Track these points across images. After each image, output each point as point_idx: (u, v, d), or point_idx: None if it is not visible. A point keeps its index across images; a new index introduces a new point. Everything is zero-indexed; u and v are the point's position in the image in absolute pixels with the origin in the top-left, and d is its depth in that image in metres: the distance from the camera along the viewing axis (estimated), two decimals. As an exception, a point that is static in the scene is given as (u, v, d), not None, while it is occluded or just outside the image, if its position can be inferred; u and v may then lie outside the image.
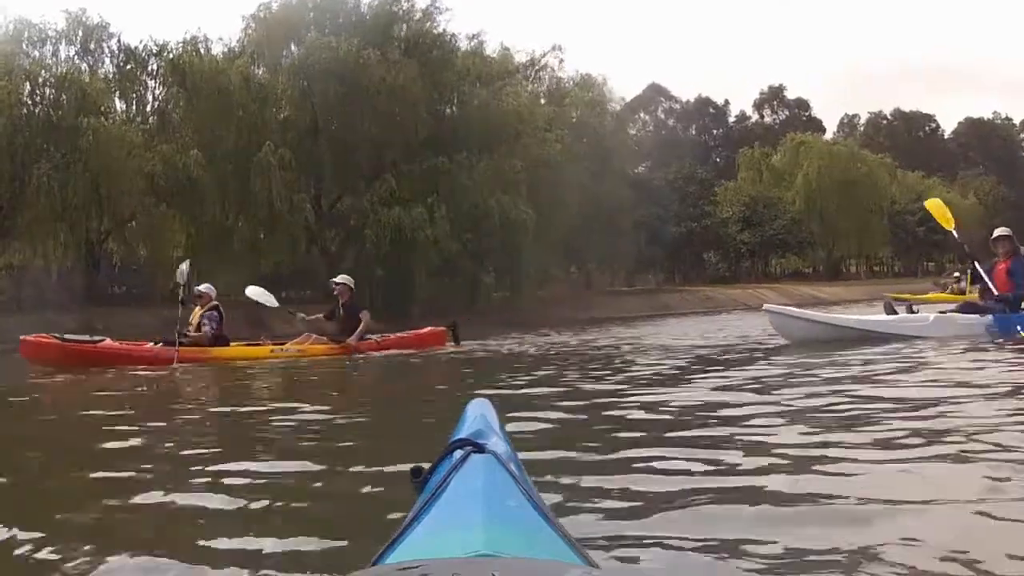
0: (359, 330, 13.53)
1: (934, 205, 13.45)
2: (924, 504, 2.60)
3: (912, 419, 4.21)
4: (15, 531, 2.78)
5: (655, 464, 3.39)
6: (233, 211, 33.68)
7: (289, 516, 2.92)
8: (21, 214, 30.26)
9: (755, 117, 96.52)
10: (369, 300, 35.26)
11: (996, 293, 10.78)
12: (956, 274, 26.55)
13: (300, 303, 37.41)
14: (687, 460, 3.43)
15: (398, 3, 38.13)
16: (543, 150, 37.39)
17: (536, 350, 13.44)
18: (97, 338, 12.68)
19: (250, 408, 7.15)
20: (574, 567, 1.12)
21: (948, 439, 3.61)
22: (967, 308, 11.33)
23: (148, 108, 35.64)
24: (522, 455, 1.81)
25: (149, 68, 35.01)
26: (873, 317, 11.42)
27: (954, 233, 12.78)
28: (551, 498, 2.60)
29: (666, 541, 2.36)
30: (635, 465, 3.39)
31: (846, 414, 4.52)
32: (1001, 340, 9.62)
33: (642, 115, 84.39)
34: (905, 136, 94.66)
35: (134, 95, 35.18)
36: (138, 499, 3.28)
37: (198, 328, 13.00)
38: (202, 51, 34.63)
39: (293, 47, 37.00)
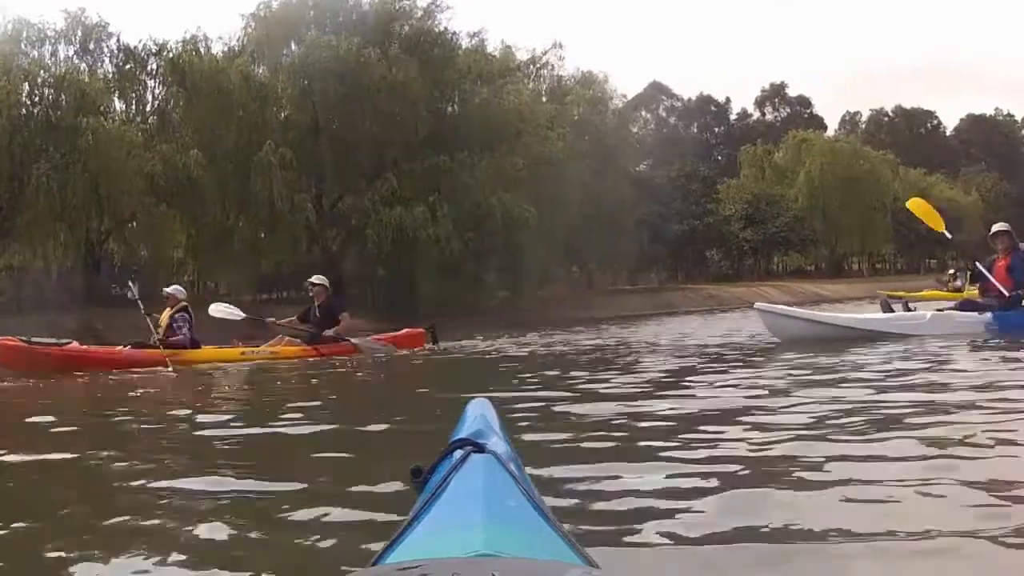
0: (338, 327, 13.25)
1: (917, 206, 13.04)
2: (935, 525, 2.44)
3: (912, 425, 4.07)
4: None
5: (655, 464, 3.39)
6: (234, 211, 33.55)
7: (289, 516, 2.90)
8: (20, 215, 30.15)
9: (756, 115, 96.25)
10: (371, 300, 35.45)
11: (1006, 293, 10.51)
12: (952, 271, 26.25)
13: (301, 304, 37.46)
14: (687, 460, 3.44)
15: (399, 1, 38.04)
16: (545, 148, 37.23)
17: (519, 350, 13.36)
18: (64, 341, 12.17)
19: (237, 410, 7.10)
20: (574, 567, 1.11)
21: (949, 445, 3.50)
22: (966, 306, 11.08)
23: (148, 108, 35.56)
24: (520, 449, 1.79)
25: (148, 68, 34.90)
26: (868, 316, 11.14)
27: (947, 234, 12.59)
28: (551, 498, 2.50)
29: (666, 541, 2.36)
30: (635, 465, 3.39)
31: (847, 416, 4.43)
32: (1000, 338, 9.37)
33: (643, 113, 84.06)
34: (906, 133, 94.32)
35: (133, 95, 35.08)
36: (136, 501, 3.30)
37: (168, 330, 12.61)
38: (202, 50, 34.53)
39: (293, 46, 36.90)
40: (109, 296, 32.49)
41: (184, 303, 12.96)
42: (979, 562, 2.13)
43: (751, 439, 3.86)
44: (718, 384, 6.40)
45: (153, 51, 34.48)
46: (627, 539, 2.40)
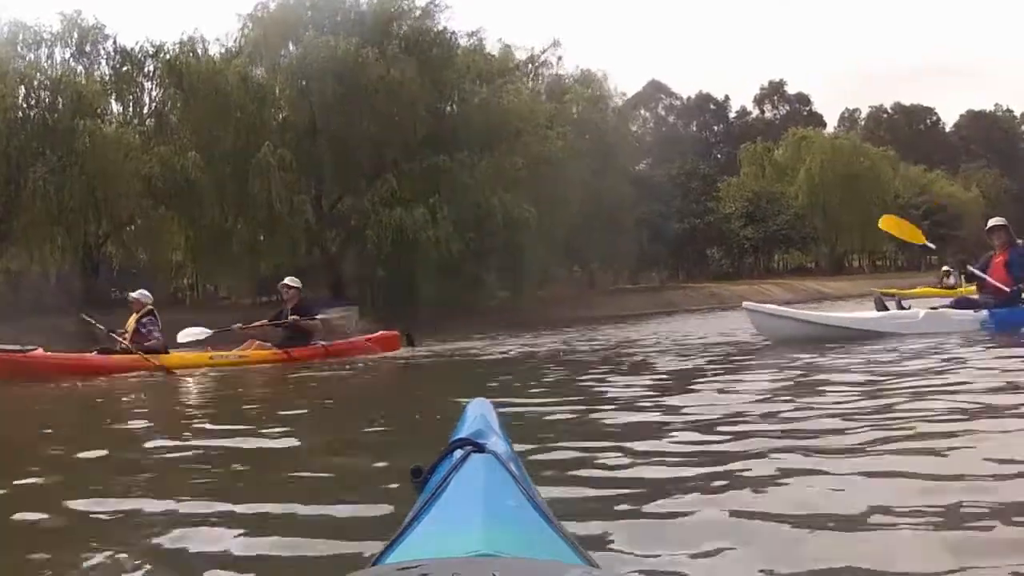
0: (308, 323, 12.94)
1: (890, 224, 12.65)
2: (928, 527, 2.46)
3: (906, 428, 3.93)
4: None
5: (656, 464, 3.41)
6: (232, 213, 33.40)
7: (288, 517, 2.92)
8: (17, 218, 30.00)
9: (756, 112, 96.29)
10: (370, 301, 35.34)
11: (1006, 289, 10.18)
12: (946, 268, 26.02)
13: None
14: (687, 460, 3.45)
15: (397, 1, 37.88)
16: (544, 148, 37.05)
17: (513, 351, 13.19)
18: (29, 347, 11.66)
19: (225, 415, 7.01)
20: (574, 567, 1.12)
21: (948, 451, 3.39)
22: (961, 303, 10.81)
23: (145, 110, 35.43)
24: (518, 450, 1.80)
25: (146, 69, 34.77)
26: (861, 315, 10.77)
27: (929, 244, 12.42)
28: (551, 498, 2.40)
29: (666, 541, 2.37)
30: (636, 465, 3.40)
31: (842, 419, 4.35)
32: (996, 336, 9.11)
33: (642, 112, 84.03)
34: (906, 130, 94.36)
35: (131, 97, 34.93)
36: (134, 506, 3.32)
37: (136, 335, 12.24)
38: (199, 52, 34.41)
39: (291, 46, 36.69)
40: (108, 300, 32.31)
41: (151, 307, 12.64)
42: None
43: (751, 440, 3.83)
44: (720, 384, 6.33)
45: (150, 53, 34.35)
46: (627, 539, 2.39)
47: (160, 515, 3.10)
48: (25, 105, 31.10)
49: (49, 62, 32.99)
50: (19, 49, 32.08)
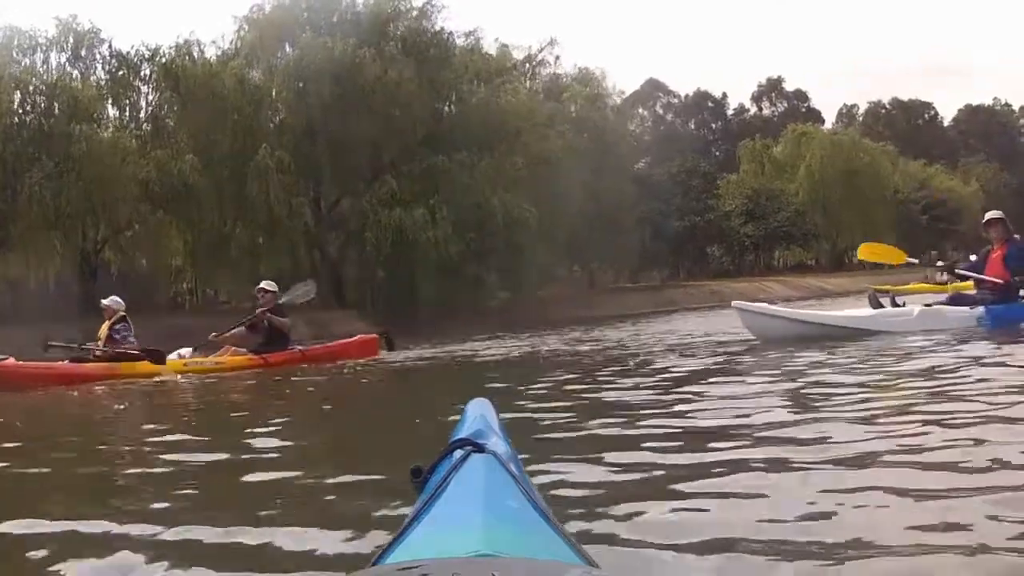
0: (279, 321, 12.52)
1: (869, 252, 12.64)
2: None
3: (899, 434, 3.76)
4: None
5: (656, 465, 3.39)
6: (231, 216, 33.32)
7: (288, 517, 2.91)
8: (14, 224, 29.86)
9: (754, 109, 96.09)
10: (370, 302, 35.26)
11: (1001, 281, 9.83)
12: (940, 262, 25.49)
13: (301, 311, 37.31)
14: (688, 461, 3.45)
15: (393, 1, 37.80)
16: (544, 147, 36.99)
17: (505, 352, 13.02)
18: (0, 356, 11.37)
19: (223, 420, 6.96)
20: (574, 567, 1.12)
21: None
22: (957, 300, 10.36)
23: (141, 114, 35.32)
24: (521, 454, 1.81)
25: (142, 73, 34.67)
26: (854, 313, 10.39)
27: (911, 260, 12.24)
28: (551, 498, 2.59)
29: (667, 541, 2.36)
30: (635, 466, 3.39)
31: (846, 422, 4.22)
32: (993, 333, 8.78)
33: (640, 110, 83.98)
34: (904, 125, 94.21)
35: (127, 101, 34.86)
36: (124, 509, 3.31)
37: (110, 341, 11.99)
38: (195, 55, 34.36)
39: (288, 48, 36.67)
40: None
41: (123, 313, 12.34)
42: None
43: (751, 441, 3.81)
44: (720, 385, 6.23)
45: (146, 56, 34.29)
46: (627, 539, 2.39)
47: (161, 517, 3.07)
48: (21, 110, 31.05)
49: (45, 67, 32.99)
50: (14, 54, 32.03)
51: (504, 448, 1.58)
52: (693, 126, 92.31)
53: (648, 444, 3.88)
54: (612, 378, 7.68)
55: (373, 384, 9.90)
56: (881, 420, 4.14)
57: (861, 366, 6.76)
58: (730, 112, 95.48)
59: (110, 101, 34.59)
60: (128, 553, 2.59)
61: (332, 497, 3.22)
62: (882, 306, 10.21)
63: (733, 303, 10.34)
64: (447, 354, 13.51)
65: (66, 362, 11.80)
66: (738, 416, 4.53)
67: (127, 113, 35.10)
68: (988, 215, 10.53)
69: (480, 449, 1.47)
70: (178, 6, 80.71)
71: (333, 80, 33.42)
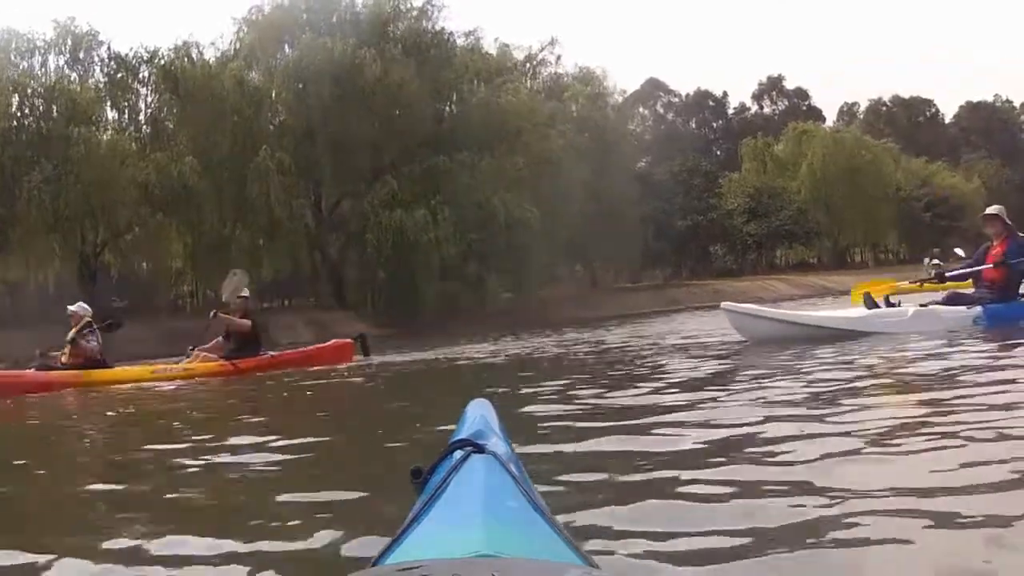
0: (238, 322, 12.16)
1: (859, 296, 12.53)
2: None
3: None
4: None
5: (656, 465, 3.37)
6: (231, 218, 33.22)
7: (288, 517, 2.89)
8: (13, 228, 29.78)
9: (754, 108, 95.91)
10: (371, 303, 35.19)
11: (998, 263, 9.47)
12: (936, 260, 24.86)
13: (301, 311, 37.37)
14: (688, 462, 3.39)
15: (393, 1, 37.70)
16: (545, 146, 36.85)
17: (506, 353, 12.79)
18: None
19: (208, 422, 6.88)
20: (574, 567, 1.12)
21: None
22: (953, 299, 9.93)
23: (140, 116, 35.28)
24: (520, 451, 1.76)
25: (140, 75, 34.64)
26: (845, 313, 10.07)
27: (903, 284, 12.03)
28: (551, 498, 2.48)
29: (667, 541, 2.34)
30: (635, 466, 3.37)
31: (849, 422, 4.08)
32: (991, 333, 8.43)
33: (641, 110, 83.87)
34: (905, 122, 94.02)
35: (126, 103, 34.79)
36: (138, 504, 3.39)
37: (75, 348, 11.74)
38: (194, 56, 34.29)
39: (287, 49, 36.61)
40: (109, 309, 32.15)
41: (88, 320, 12.12)
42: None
43: (751, 441, 3.76)
44: (723, 386, 6.09)
45: (145, 58, 34.25)
46: (627, 539, 2.37)
47: (160, 518, 3.11)
48: (19, 114, 31.00)
49: (43, 70, 32.98)
50: (12, 57, 32.00)
51: (504, 448, 1.58)
52: (694, 125, 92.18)
53: (649, 445, 3.84)
54: (613, 379, 7.56)
55: (372, 386, 9.74)
56: (869, 420, 3.99)
57: (850, 370, 6.42)
58: (731, 111, 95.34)
59: (109, 103, 34.54)
60: (126, 555, 2.58)
61: (332, 497, 3.19)
62: (877, 306, 9.94)
63: (721, 304, 10.09)
64: (447, 355, 13.31)
65: (31, 370, 11.61)
66: (739, 416, 4.46)
67: (126, 115, 35.10)
68: (987, 211, 10.29)
69: (480, 450, 1.46)
70: (177, 8, 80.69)
71: (333, 81, 33.32)
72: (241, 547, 2.58)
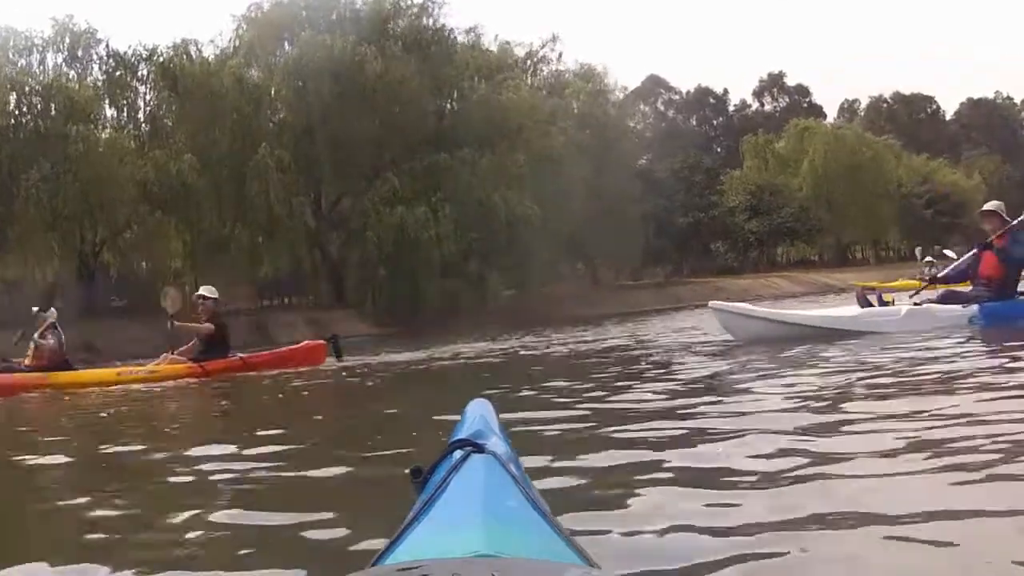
0: (191, 327, 12.04)
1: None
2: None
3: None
4: None
5: (657, 465, 3.39)
6: (230, 216, 33.07)
7: (287, 517, 2.90)
8: (11, 226, 29.65)
9: (755, 105, 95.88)
10: (372, 301, 35.05)
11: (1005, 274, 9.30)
12: (929, 258, 24.40)
13: (302, 310, 37.27)
14: (688, 461, 3.44)
15: (393, -3, 37.63)
16: (546, 143, 36.70)
17: (507, 353, 12.60)
18: None
19: (202, 423, 6.96)
20: (574, 567, 1.13)
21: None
22: (948, 298, 9.74)
23: (139, 114, 35.12)
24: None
25: (139, 73, 34.47)
26: (837, 312, 9.91)
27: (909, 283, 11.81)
28: (551, 498, 2.28)
29: (667, 541, 2.36)
30: (636, 466, 3.40)
31: (851, 424, 4.08)
32: (987, 333, 8.24)
33: (642, 107, 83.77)
34: (906, 119, 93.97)
35: (124, 101, 34.59)
36: (139, 506, 3.45)
37: (37, 350, 11.61)
38: (193, 54, 34.11)
39: (287, 46, 36.47)
40: (108, 308, 32.07)
41: (52, 322, 11.97)
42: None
43: (752, 442, 3.73)
44: (725, 385, 6.10)
45: (143, 56, 34.07)
46: (627, 539, 2.40)
47: (158, 519, 3.13)
48: (17, 112, 30.84)
49: (41, 68, 32.82)
50: (10, 55, 31.81)
51: (504, 448, 1.57)
52: (694, 122, 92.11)
53: (649, 445, 3.85)
54: (614, 378, 7.49)
55: (372, 386, 9.62)
56: (860, 424, 3.98)
57: (839, 372, 6.19)
58: (731, 108, 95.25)
59: (107, 101, 34.36)
60: (126, 556, 2.58)
61: (332, 497, 3.22)
62: (870, 304, 9.74)
63: (710, 303, 9.90)
64: (447, 353, 13.18)
65: None
66: (740, 419, 4.45)
67: (125, 113, 34.93)
68: (985, 207, 10.08)
69: (480, 449, 1.46)
70: (176, 6, 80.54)
71: (333, 78, 33.18)
72: (240, 547, 2.59)
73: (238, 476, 3.90)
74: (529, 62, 46.93)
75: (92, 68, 34.27)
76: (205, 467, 4.21)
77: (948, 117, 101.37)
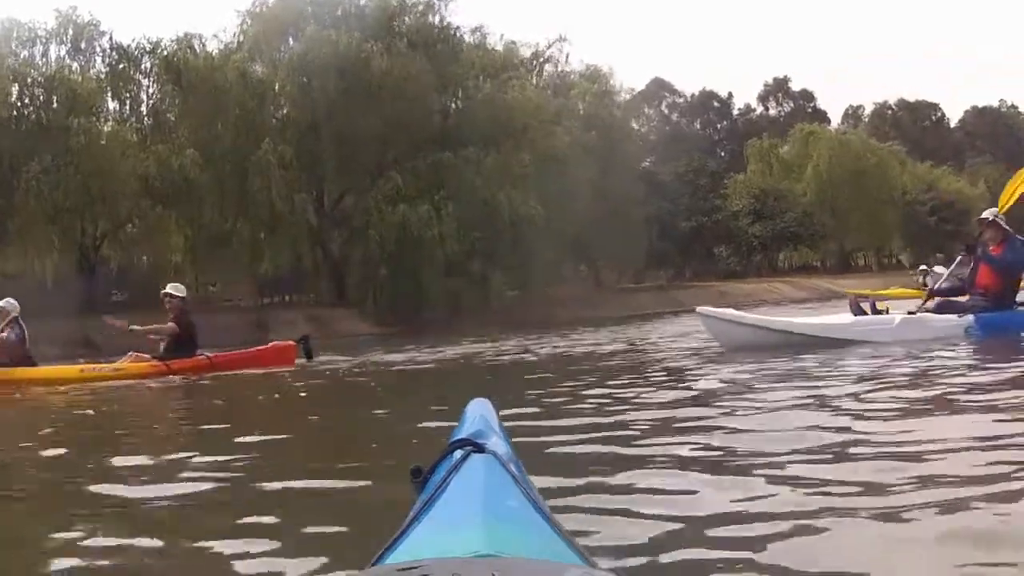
0: (153, 327, 11.86)
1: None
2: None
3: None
4: None
5: (656, 465, 3.43)
6: (232, 212, 32.92)
7: (288, 518, 2.91)
8: (11, 219, 29.52)
9: (760, 109, 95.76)
10: (373, 300, 34.91)
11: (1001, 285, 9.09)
12: (923, 267, 24.26)
13: (302, 308, 37.14)
14: (687, 463, 3.45)
15: (399, -6, 37.48)
16: (551, 143, 36.52)
17: (508, 355, 12.36)
18: None
19: (200, 423, 6.81)
20: (574, 567, 1.13)
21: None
22: (944, 307, 9.50)
23: (142, 108, 34.98)
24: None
25: (142, 66, 34.34)
26: (828, 320, 9.71)
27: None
28: (551, 498, 2.58)
29: (667, 541, 2.38)
30: (637, 466, 3.40)
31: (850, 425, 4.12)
32: (983, 344, 8.06)
33: (646, 110, 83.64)
34: (910, 126, 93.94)
35: (127, 94, 34.44)
36: (138, 506, 3.39)
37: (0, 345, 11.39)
38: (197, 48, 34.00)
39: (292, 42, 36.33)
40: (108, 303, 31.88)
41: (16, 316, 11.73)
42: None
43: (752, 442, 3.78)
44: (726, 387, 6.03)
45: (147, 49, 33.94)
46: (627, 539, 2.41)
47: (157, 519, 3.15)
48: (19, 103, 30.75)
49: (44, 59, 32.70)
50: (13, 46, 31.72)
51: (504, 448, 1.57)
52: (699, 126, 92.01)
53: (649, 445, 3.87)
54: (615, 380, 7.41)
55: (371, 385, 9.50)
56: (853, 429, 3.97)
57: (831, 383, 5.98)
58: (736, 112, 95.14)
59: (110, 94, 34.28)
60: (125, 558, 2.60)
61: (331, 497, 3.23)
62: (864, 312, 9.53)
63: (697, 309, 9.67)
64: (447, 353, 13.10)
65: None
66: (740, 418, 4.47)
67: (127, 107, 34.77)
68: (983, 214, 9.82)
69: (480, 449, 1.46)
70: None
71: (338, 74, 33.04)
72: (239, 547, 2.58)
73: (238, 476, 3.84)
74: (535, 62, 46.78)
75: (95, 60, 34.28)
76: (205, 467, 4.11)
77: (953, 125, 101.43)
